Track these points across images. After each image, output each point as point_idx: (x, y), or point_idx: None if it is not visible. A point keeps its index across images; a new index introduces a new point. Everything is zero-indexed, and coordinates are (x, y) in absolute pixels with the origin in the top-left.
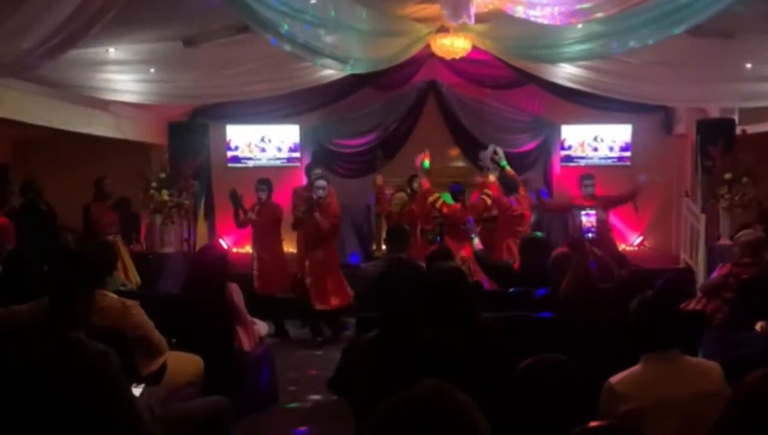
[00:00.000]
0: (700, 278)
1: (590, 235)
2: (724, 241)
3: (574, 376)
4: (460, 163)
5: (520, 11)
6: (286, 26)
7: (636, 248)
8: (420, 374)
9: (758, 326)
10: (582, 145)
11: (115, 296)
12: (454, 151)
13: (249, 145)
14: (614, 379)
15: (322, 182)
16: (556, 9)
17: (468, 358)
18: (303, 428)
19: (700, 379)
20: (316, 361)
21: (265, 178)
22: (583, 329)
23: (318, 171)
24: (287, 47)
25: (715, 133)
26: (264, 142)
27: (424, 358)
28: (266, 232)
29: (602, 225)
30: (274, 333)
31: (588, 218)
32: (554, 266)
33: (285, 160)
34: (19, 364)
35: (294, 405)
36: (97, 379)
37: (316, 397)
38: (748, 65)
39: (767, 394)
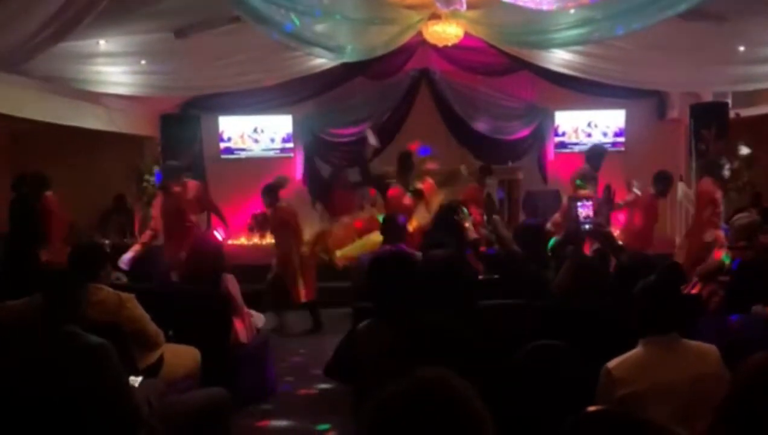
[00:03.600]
0: None
1: (587, 226)
2: None
3: (573, 361)
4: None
5: None
6: (278, 17)
7: None
8: (425, 359)
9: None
10: (576, 131)
11: (110, 290)
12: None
13: (242, 136)
14: (612, 363)
15: None
16: None
17: (467, 344)
18: (301, 418)
19: (698, 362)
20: (313, 351)
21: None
22: (581, 316)
23: None
24: (279, 38)
25: (709, 117)
26: (257, 133)
27: (427, 342)
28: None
29: (600, 216)
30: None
31: (584, 210)
32: (554, 253)
33: (278, 151)
34: (15, 358)
35: (292, 395)
36: (93, 372)
37: (314, 387)
38: (741, 48)
39: None
